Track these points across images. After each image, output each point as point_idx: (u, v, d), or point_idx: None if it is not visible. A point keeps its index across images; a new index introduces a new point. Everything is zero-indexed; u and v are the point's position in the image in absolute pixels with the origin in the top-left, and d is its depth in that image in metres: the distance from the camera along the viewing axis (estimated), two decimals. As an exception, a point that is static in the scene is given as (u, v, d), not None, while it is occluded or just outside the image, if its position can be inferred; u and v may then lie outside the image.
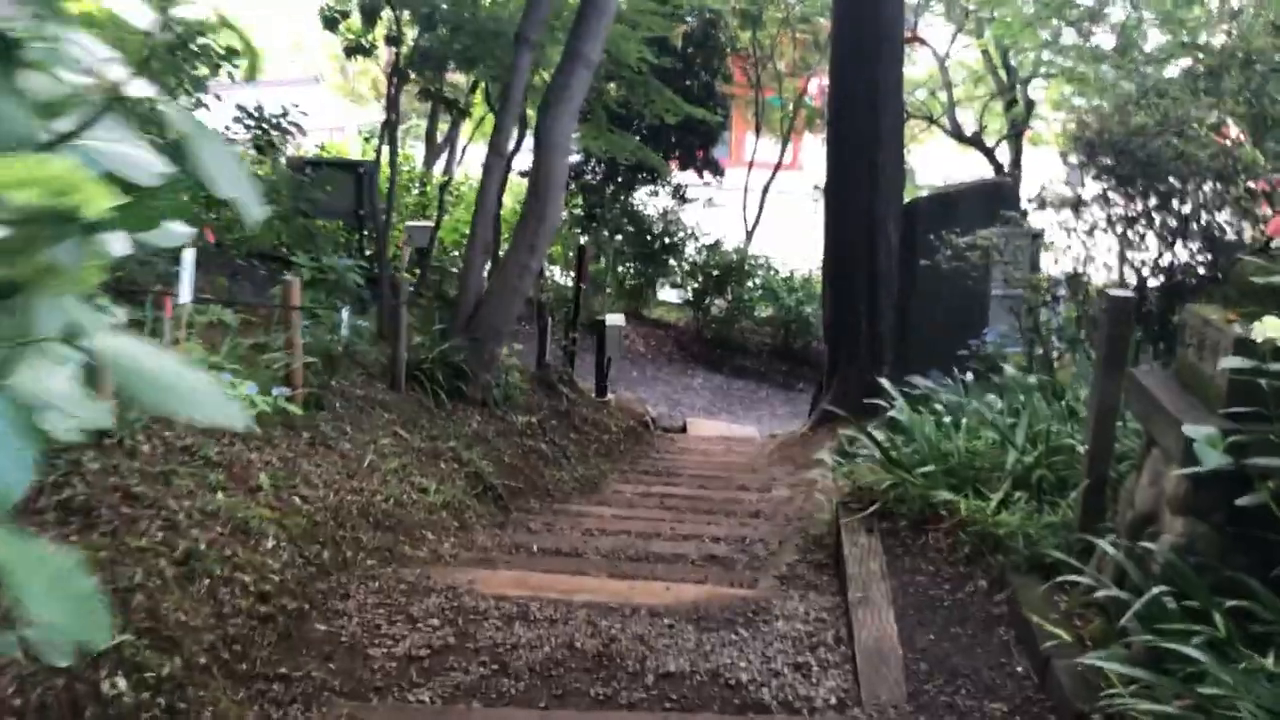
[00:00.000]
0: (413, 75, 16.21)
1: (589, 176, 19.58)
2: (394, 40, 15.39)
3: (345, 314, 7.09)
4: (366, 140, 18.93)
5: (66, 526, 3.75)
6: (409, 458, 6.79)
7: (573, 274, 14.65)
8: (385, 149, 13.91)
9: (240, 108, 9.52)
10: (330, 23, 14.41)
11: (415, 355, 8.48)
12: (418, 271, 13.84)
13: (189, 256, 4.89)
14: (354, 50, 16.38)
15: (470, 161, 19.63)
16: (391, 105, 11.77)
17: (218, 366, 5.57)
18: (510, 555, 5.76)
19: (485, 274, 9.65)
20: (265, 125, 9.28)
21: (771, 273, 19.71)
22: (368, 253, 12.15)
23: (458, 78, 16.47)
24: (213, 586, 3.96)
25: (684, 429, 13.96)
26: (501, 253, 11.70)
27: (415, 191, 18.69)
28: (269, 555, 4.42)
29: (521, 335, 12.71)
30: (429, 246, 14.27)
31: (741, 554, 6.05)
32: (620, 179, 19.49)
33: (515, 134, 12.20)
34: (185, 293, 4.92)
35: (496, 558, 5.63)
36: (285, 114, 9.38)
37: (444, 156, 19.24)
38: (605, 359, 12.88)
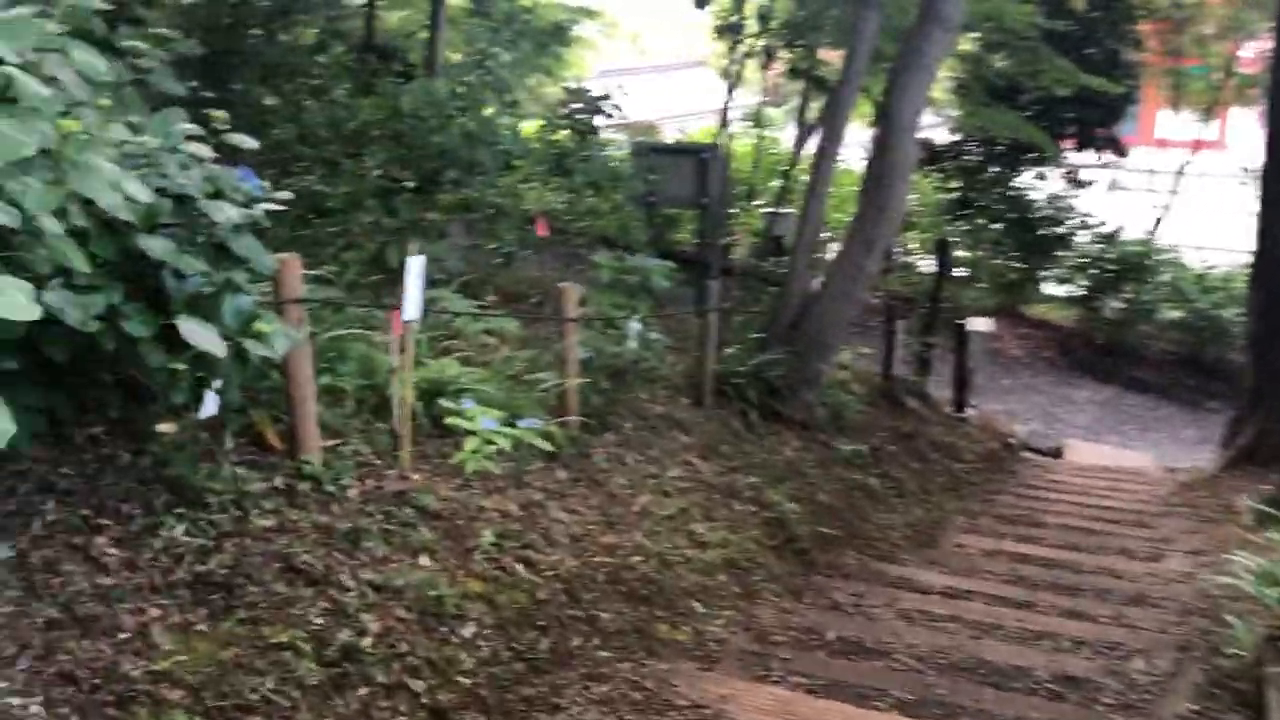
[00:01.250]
0: (780, 52, 15.31)
1: (966, 157, 17.59)
2: (765, 17, 14.52)
3: (634, 324, 6.16)
4: (754, 125, 18.10)
5: (195, 611, 3.04)
6: (696, 496, 5.75)
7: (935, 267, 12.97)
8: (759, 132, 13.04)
9: (565, 89, 8.95)
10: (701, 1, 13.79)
11: (728, 367, 7.44)
12: (767, 265, 12.82)
13: (415, 266, 4.13)
14: (724, 30, 15.68)
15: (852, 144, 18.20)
16: (734, 84, 10.83)
17: (458, 390, 4.80)
18: (793, 650, 4.54)
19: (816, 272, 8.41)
20: (585, 108, 8.62)
21: (1182, 269, 16.74)
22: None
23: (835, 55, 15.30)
24: (369, 700, 3.10)
25: (1058, 454, 11.91)
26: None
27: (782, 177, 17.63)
28: (463, 648, 3.52)
29: (869, 336, 11.31)
30: (775, 237, 13.21)
31: (1110, 677, 4.44)
32: (1001, 159, 17.34)
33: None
34: (411, 308, 4.16)
35: (772, 654, 4.43)
36: (605, 97, 8.65)
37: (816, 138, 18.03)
38: (966, 369, 11.19)
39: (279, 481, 3.77)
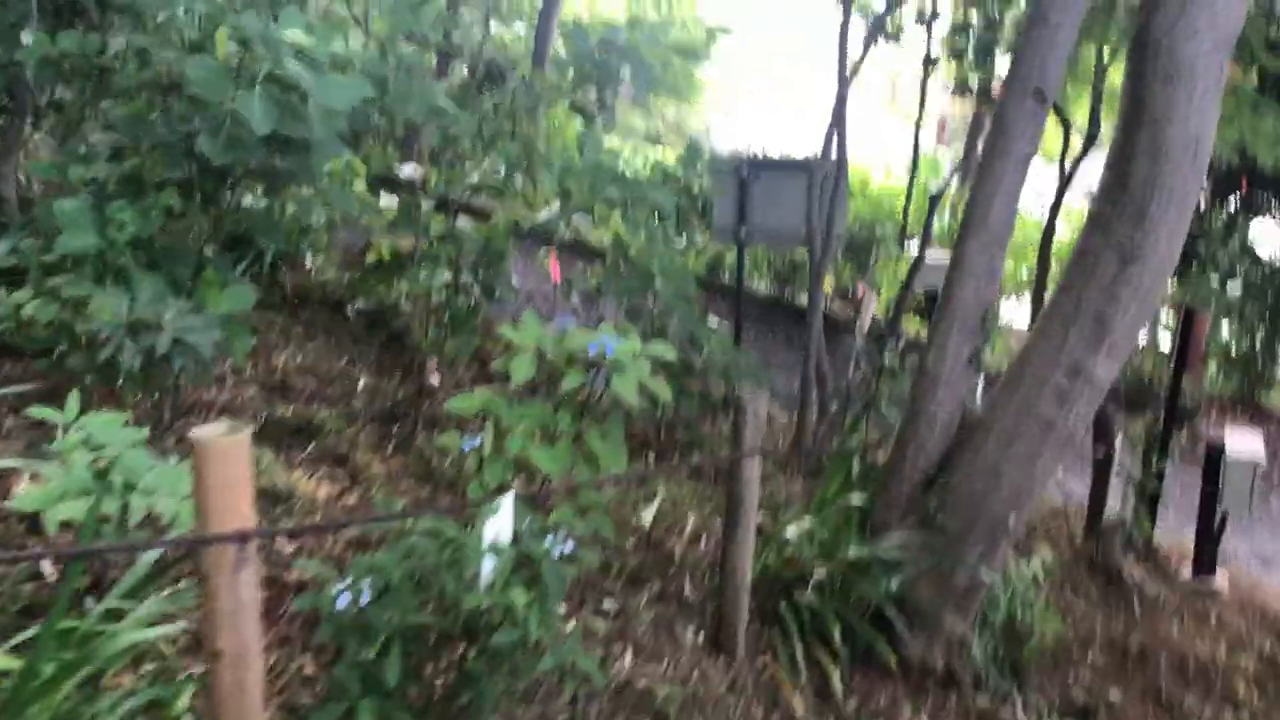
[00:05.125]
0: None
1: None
2: (928, 19, 11.30)
3: (502, 508, 2.53)
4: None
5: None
6: None
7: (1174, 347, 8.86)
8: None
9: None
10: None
11: (788, 565, 3.70)
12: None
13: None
14: (874, 35, 12.32)
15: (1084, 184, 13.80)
16: (844, 81, 7.09)
17: None
18: None
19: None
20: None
21: None
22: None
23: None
24: None
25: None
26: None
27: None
28: None
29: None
30: (927, 295, 9.31)
31: None
32: (1236, 198, 13.01)
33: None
34: None
35: None
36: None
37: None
38: (1219, 514, 7.07)
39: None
